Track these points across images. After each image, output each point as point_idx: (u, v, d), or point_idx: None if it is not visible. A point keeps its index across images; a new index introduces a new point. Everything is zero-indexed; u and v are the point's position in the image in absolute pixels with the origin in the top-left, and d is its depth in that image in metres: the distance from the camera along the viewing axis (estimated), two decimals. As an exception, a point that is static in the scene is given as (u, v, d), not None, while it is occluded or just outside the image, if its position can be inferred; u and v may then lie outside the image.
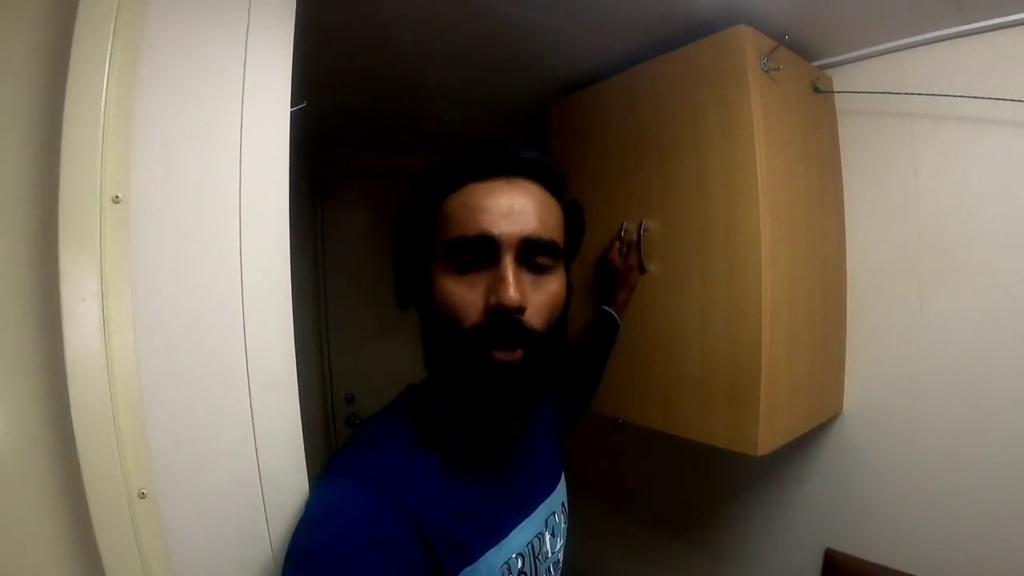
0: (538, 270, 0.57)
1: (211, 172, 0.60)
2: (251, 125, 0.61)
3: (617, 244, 1.21)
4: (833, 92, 1.20)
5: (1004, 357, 1.02)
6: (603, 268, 1.23)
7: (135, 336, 0.55)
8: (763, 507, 1.38)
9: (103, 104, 0.54)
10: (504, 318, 0.53)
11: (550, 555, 0.68)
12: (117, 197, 0.55)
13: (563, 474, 0.79)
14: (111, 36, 0.55)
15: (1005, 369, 1.02)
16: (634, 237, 1.20)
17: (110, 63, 0.55)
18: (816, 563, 1.26)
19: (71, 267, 0.53)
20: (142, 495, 0.55)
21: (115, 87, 0.55)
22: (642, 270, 1.19)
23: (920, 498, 1.12)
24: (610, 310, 1.18)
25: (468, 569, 0.55)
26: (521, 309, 0.54)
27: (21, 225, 0.53)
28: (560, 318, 0.60)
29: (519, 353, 0.54)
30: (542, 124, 1.52)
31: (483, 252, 0.55)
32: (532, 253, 0.56)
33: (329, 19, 0.99)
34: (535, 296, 0.56)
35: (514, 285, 0.53)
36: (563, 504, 0.75)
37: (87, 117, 0.54)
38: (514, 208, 0.56)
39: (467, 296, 0.55)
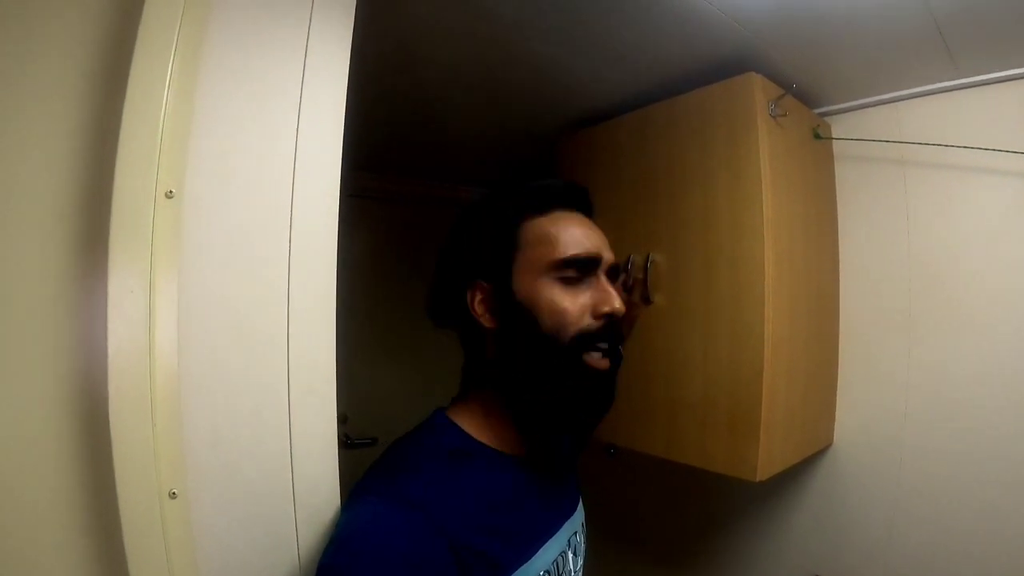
0: None
1: (265, 174, 0.61)
2: (307, 128, 0.62)
3: (623, 277, 1.24)
4: (832, 139, 1.28)
5: (989, 394, 1.07)
6: None
7: (179, 331, 0.55)
8: (753, 535, 1.40)
9: (164, 99, 0.55)
10: (614, 324, 0.62)
11: (573, 573, 0.69)
12: (171, 192, 0.55)
13: (581, 496, 0.80)
14: (176, 33, 0.56)
15: (990, 404, 1.07)
16: (640, 275, 1.23)
17: (173, 60, 0.56)
18: (806, 592, 1.28)
19: (121, 258, 0.52)
20: (173, 495, 0.54)
21: (177, 84, 0.56)
22: (647, 301, 1.22)
23: (908, 527, 1.15)
24: None
25: None
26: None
27: (74, 214, 0.53)
28: None
29: (607, 363, 0.62)
30: (549, 157, 1.57)
31: (588, 271, 0.63)
32: (612, 275, 0.66)
33: (362, 45, 1.02)
34: None
35: (619, 297, 0.62)
36: (582, 524, 0.76)
37: (148, 111, 0.54)
38: (601, 236, 0.66)
39: (572, 306, 0.61)
